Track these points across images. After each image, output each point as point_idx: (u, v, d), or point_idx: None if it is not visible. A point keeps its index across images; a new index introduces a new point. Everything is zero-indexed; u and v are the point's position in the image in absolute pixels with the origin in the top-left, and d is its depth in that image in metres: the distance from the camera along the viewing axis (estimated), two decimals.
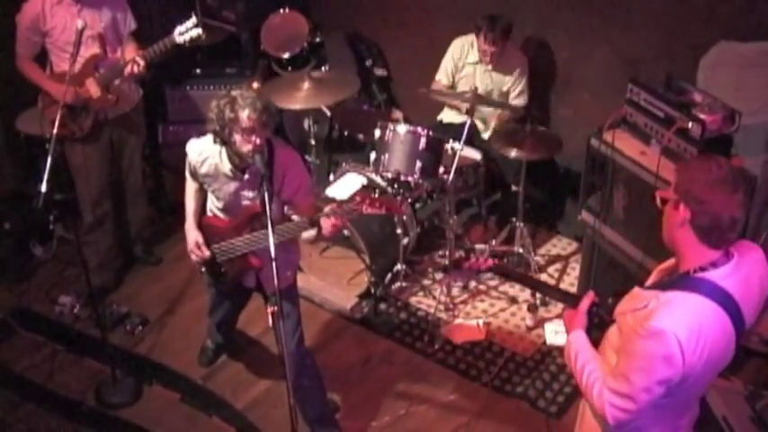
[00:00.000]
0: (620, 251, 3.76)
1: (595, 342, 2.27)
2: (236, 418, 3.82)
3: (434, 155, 4.21)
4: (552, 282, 4.63)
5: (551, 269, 4.76)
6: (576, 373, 2.21)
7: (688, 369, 1.95)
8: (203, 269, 3.43)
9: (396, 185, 4.37)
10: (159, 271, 4.82)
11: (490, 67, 4.61)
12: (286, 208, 3.28)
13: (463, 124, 4.23)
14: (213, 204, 3.30)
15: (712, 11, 4.00)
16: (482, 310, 4.44)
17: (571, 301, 2.42)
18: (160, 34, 3.93)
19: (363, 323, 4.37)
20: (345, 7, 5.67)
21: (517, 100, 4.70)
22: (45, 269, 4.81)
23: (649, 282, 2.23)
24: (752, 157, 3.57)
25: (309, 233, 3.48)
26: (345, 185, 4.36)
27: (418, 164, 4.16)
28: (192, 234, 3.32)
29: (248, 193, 3.18)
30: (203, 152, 3.15)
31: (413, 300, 4.52)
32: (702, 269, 2.01)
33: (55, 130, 3.38)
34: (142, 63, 3.95)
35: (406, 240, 4.43)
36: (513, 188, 4.54)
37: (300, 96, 4.52)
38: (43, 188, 3.27)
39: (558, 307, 4.27)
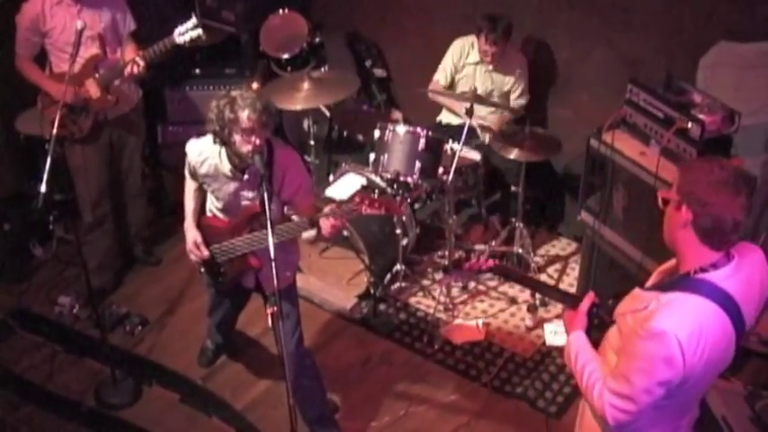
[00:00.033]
0: (620, 251, 3.76)
1: (595, 343, 2.27)
2: (236, 419, 3.82)
3: (434, 155, 4.21)
4: (552, 282, 4.63)
5: (551, 269, 4.76)
6: (576, 374, 2.21)
7: (688, 370, 1.95)
8: (202, 269, 3.43)
9: (395, 186, 4.37)
10: (159, 271, 4.82)
11: (491, 67, 4.61)
12: (286, 208, 3.28)
13: (462, 125, 4.23)
14: (213, 204, 3.30)
15: (712, 11, 4.00)
16: (481, 311, 4.44)
17: (570, 301, 2.42)
18: (159, 35, 3.93)
19: (363, 323, 4.37)
20: (345, 8, 5.67)
21: (518, 101, 4.71)
22: (45, 270, 4.81)
23: (650, 283, 2.23)
24: (751, 158, 3.57)
25: (309, 233, 3.49)
26: (345, 186, 4.36)
27: (417, 164, 4.16)
28: (191, 233, 3.32)
29: (248, 194, 3.18)
30: (203, 152, 3.15)
31: (412, 300, 4.52)
32: (703, 270, 2.01)
33: (54, 131, 3.37)
34: (142, 64, 3.95)
35: (405, 241, 4.43)
36: (513, 189, 4.55)
37: (300, 97, 4.51)
38: (43, 189, 3.27)
39: (557, 307, 4.27)
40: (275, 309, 2.58)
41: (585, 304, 2.31)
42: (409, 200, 4.43)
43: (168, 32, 3.88)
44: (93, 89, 4.01)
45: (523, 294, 4.49)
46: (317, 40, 5.36)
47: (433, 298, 4.47)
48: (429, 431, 3.74)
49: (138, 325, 4.36)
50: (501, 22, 4.40)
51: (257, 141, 2.91)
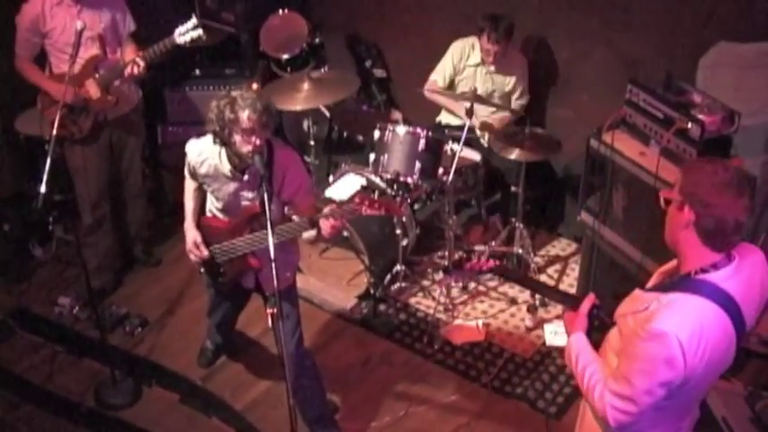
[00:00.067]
0: (620, 252, 3.75)
1: (596, 345, 2.27)
2: (236, 419, 3.82)
3: (434, 156, 4.21)
4: (552, 283, 4.63)
5: (551, 270, 4.76)
6: (577, 376, 2.21)
7: (689, 371, 1.95)
8: (202, 270, 3.43)
9: (395, 186, 4.37)
10: (159, 272, 4.82)
11: (492, 68, 4.61)
12: (286, 208, 3.28)
13: (462, 126, 4.22)
14: (212, 205, 3.30)
15: (712, 11, 4.00)
16: (481, 311, 4.44)
17: (570, 302, 2.41)
18: (159, 35, 3.93)
19: (363, 324, 4.37)
20: (345, 8, 5.67)
21: (519, 101, 4.71)
22: (44, 270, 4.81)
23: (650, 284, 2.23)
24: (751, 158, 3.57)
25: (309, 234, 3.48)
26: (345, 186, 4.36)
27: (417, 165, 4.16)
28: (191, 233, 3.32)
29: (248, 194, 3.18)
30: (203, 152, 3.15)
31: (412, 300, 4.52)
32: (704, 271, 2.01)
33: (54, 131, 3.37)
34: (142, 64, 3.95)
35: (405, 241, 4.42)
36: (513, 189, 4.54)
37: (300, 97, 4.51)
38: (42, 189, 3.27)
39: (557, 308, 4.27)
40: (275, 309, 2.58)
41: (586, 306, 2.30)
42: (409, 200, 4.43)
43: (168, 33, 3.88)
44: (93, 90, 4.01)
45: (523, 295, 4.49)
46: (317, 40, 5.36)
47: (433, 298, 4.47)
48: (429, 431, 3.74)
49: (137, 325, 4.36)
50: (503, 21, 4.40)
51: (257, 142, 2.91)
